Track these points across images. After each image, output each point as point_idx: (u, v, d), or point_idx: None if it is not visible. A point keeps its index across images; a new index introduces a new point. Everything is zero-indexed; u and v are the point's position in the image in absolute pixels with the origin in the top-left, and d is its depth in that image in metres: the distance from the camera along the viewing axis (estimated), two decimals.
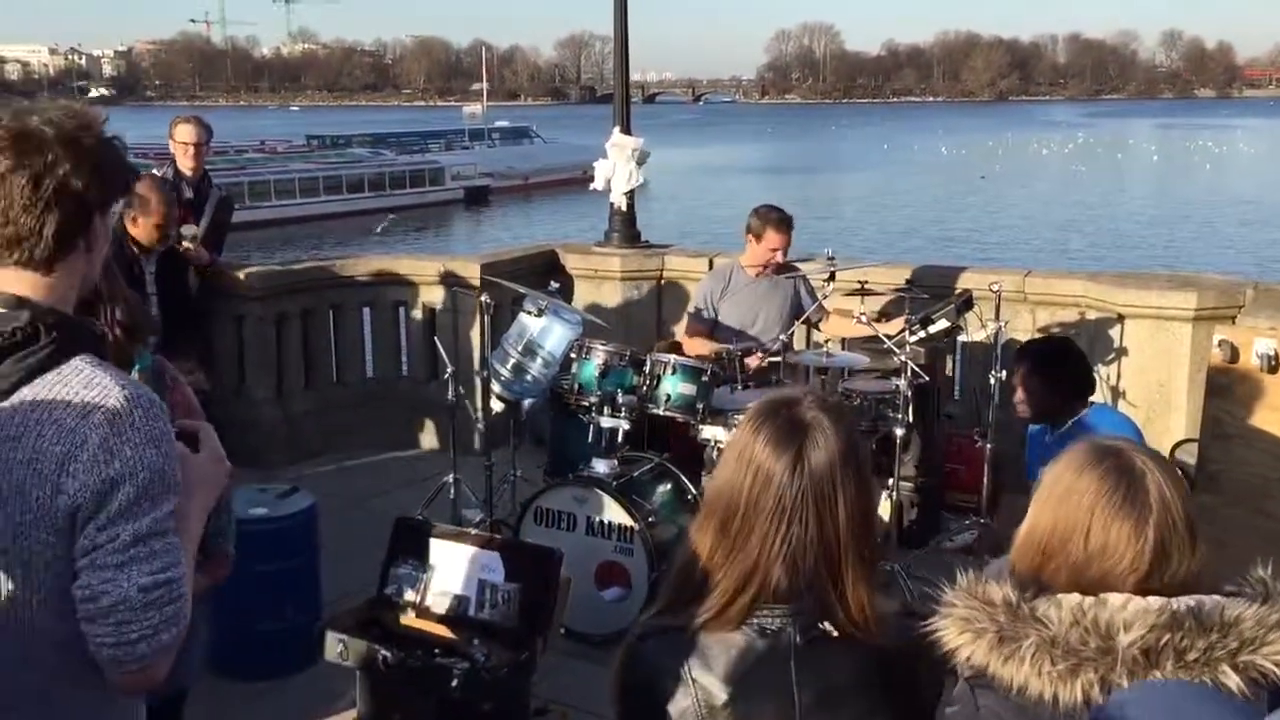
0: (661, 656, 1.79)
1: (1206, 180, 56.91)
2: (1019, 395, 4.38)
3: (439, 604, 4.01)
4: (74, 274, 1.84)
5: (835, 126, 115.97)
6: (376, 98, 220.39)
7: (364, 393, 7.37)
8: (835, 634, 1.75)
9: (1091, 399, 4.64)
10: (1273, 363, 4.92)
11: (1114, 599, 1.54)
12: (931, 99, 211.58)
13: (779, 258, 5.62)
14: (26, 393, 1.72)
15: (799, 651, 1.75)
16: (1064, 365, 4.38)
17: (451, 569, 4.08)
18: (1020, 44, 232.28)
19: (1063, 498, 1.67)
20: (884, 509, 5.56)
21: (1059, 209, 43.75)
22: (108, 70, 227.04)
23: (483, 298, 5.22)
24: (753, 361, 5.26)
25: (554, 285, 5.39)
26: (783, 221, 5.66)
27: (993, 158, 68.76)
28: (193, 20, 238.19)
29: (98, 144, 1.83)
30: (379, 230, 35.33)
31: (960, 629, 1.58)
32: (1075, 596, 1.56)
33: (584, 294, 7.42)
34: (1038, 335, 6.29)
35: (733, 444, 1.85)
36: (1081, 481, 1.66)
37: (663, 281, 7.34)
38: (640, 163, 7.44)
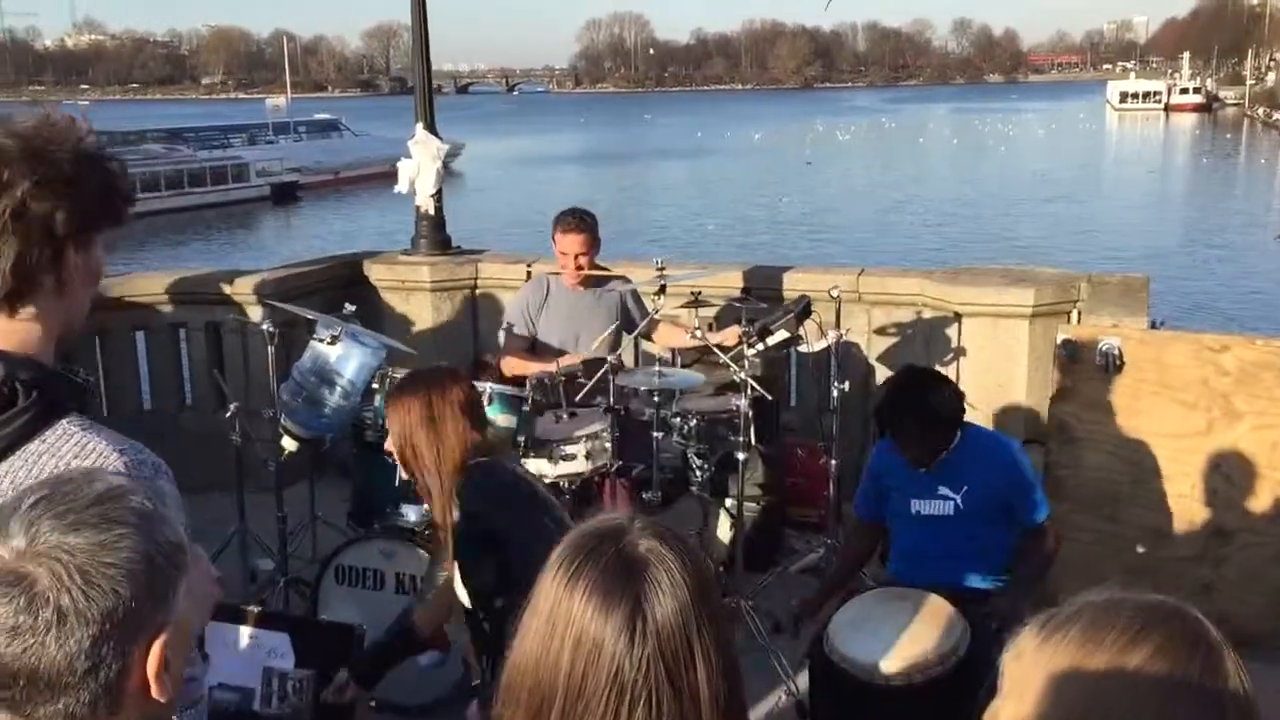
0: None
1: (1005, 160, 59.83)
2: (906, 448, 3.83)
3: (217, 699, 3.38)
4: (50, 317, 1.60)
5: (648, 115, 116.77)
6: (173, 91, 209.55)
7: (141, 427, 6.50)
8: None
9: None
10: (1117, 362, 4.73)
11: None
12: (741, 87, 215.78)
13: (577, 263, 5.09)
14: (10, 468, 1.49)
15: None
16: (943, 402, 3.80)
17: (230, 656, 3.44)
18: (823, 32, 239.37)
19: (1100, 681, 1.12)
20: (725, 533, 5.18)
21: (879, 193, 44.95)
22: None
23: (265, 325, 4.54)
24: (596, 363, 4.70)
25: (349, 307, 4.74)
26: (573, 223, 5.08)
27: (803, 143, 70.37)
28: None
29: (75, 160, 1.54)
30: None
31: None
32: None
33: (392, 308, 6.77)
34: (874, 336, 6.03)
35: (538, 601, 1.31)
36: (1132, 657, 1.12)
37: (477, 291, 6.75)
38: (455, 154, 6.84)
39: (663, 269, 4.70)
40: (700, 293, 5.09)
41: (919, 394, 3.83)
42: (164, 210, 40.80)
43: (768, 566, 5.26)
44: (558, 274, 5.24)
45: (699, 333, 4.66)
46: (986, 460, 3.83)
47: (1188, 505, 4.77)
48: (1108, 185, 49.07)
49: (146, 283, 6.55)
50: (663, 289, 4.71)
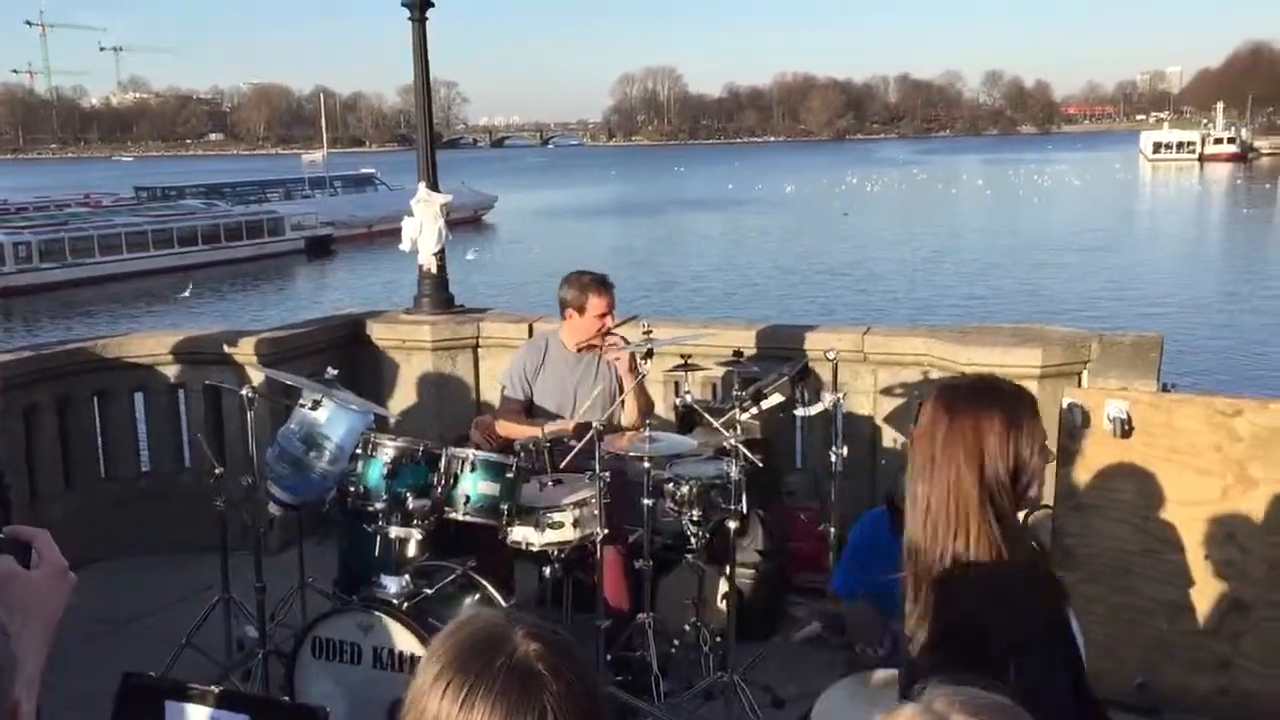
0: None
1: (1039, 212, 59.48)
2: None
3: None
4: None
5: (680, 167, 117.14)
6: (214, 147, 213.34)
7: (139, 489, 6.46)
8: None
9: None
10: (1126, 426, 4.56)
11: None
12: (773, 139, 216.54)
13: (609, 323, 5.00)
14: None
15: None
16: None
17: None
18: (854, 85, 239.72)
19: None
20: (722, 602, 5.02)
21: (913, 245, 44.70)
22: None
23: (244, 390, 4.46)
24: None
25: (332, 371, 4.66)
26: (603, 283, 5.04)
27: (834, 195, 70.36)
28: (15, 71, 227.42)
29: None
30: (185, 294, 33.89)
31: None
32: None
33: (393, 367, 6.71)
34: (880, 397, 5.88)
35: None
36: None
37: (479, 350, 6.68)
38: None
39: (649, 332, 4.59)
40: (691, 356, 4.97)
41: None
42: (201, 264, 41.44)
43: (768, 636, 5.09)
44: (556, 337, 5.14)
45: (689, 397, 4.53)
46: None
47: (1203, 577, 4.56)
48: (1142, 238, 48.54)
49: (146, 343, 6.52)
50: (650, 353, 4.59)
